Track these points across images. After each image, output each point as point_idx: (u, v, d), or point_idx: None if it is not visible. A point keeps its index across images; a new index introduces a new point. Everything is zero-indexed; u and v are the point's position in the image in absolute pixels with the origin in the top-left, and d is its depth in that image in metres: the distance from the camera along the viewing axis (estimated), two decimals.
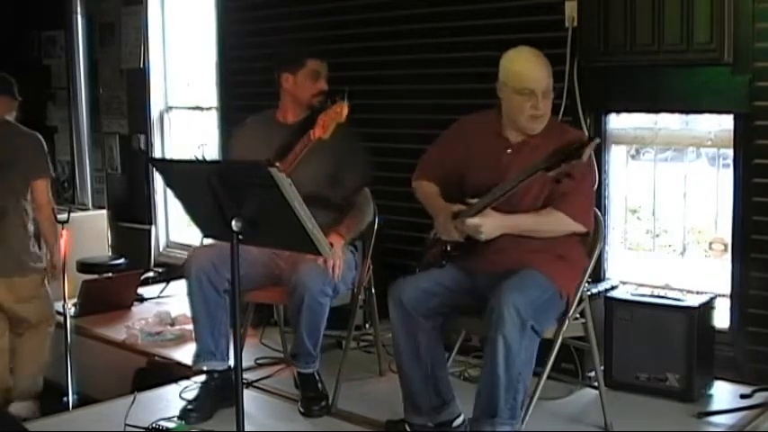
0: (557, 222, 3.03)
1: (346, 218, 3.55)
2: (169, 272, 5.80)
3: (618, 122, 4.07)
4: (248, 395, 3.58)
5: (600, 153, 3.96)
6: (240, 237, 2.53)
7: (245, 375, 3.63)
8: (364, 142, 3.74)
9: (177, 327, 4.61)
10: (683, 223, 4.12)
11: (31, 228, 4.33)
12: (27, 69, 6.70)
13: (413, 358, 3.09)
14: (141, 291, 5.44)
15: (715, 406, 3.45)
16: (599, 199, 3.82)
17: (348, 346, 3.76)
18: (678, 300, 3.58)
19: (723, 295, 3.73)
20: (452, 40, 4.43)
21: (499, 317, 2.77)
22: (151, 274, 5.94)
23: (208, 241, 3.44)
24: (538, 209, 3.05)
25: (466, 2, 4.35)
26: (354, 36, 4.80)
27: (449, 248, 3.16)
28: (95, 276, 5.52)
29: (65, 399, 4.25)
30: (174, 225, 6.48)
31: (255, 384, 3.79)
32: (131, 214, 6.54)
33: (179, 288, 4.75)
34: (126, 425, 3.32)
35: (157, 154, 6.37)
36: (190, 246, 5.40)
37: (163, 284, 5.60)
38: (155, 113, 6.37)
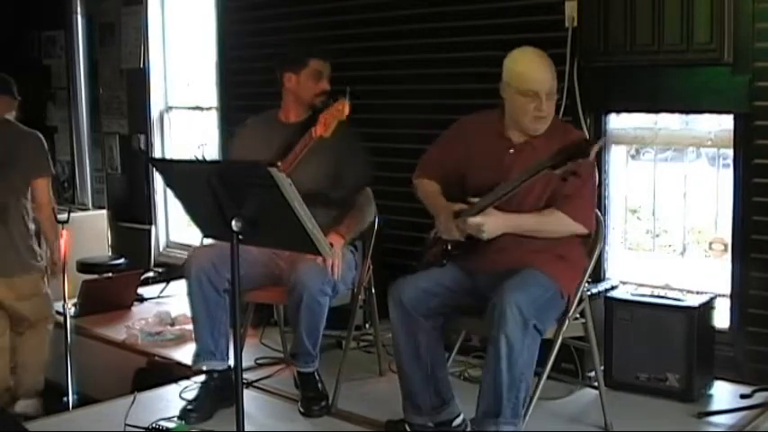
0: (559, 223, 3.03)
1: (347, 218, 3.55)
2: (169, 272, 5.80)
3: (618, 122, 4.07)
4: (248, 395, 3.58)
5: (600, 153, 3.94)
6: (240, 237, 2.53)
7: (245, 375, 3.63)
8: (365, 142, 3.74)
9: (177, 327, 4.61)
10: (683, 223, 4.12)
11: (32, 226, 4.34)
12: (27, 69, 6.71)
13: (413, 358, 3.09)
14: (141, 291, 5.44)
15: (715, 406, 3.45)
16: (599, 199, 3.81)
17: (348, 346, 3.76)
18: (678, 300, 3.58)
19: (723, 295, 3.73)
20: (452, 40, 4.43)
21: (501, 315, 2.77)
22: (151, 274, 5.94)
23: (208, 241, 3.44)
24: (540, 209, 3.05)
25: (466, 2, 4.35)
26: (354, 36, 4.80)
27: (449, 247, 3.16)
28: (95, 276, 5.52)
29: (65, 399, 4.25)
30: (174, 225, 6.48)
31: (255, 384, 3.79)
32: (131, 214, 6.54)
33: (179, 288, 4.75)
34: (126, 425, 3.32)
35: (157, 154, 6.37)
36: (190, 246, 5.40)
37: (163, 284, 5.60)
38: (155, 113, 6.37)
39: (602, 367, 3.44)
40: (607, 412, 3.24)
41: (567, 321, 3.08)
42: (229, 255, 2.57)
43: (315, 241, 2.52)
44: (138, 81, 6.34)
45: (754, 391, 3.47)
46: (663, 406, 3.44)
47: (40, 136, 4.40)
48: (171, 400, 3.65)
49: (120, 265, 5.84)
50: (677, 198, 4.08)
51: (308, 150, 3.44)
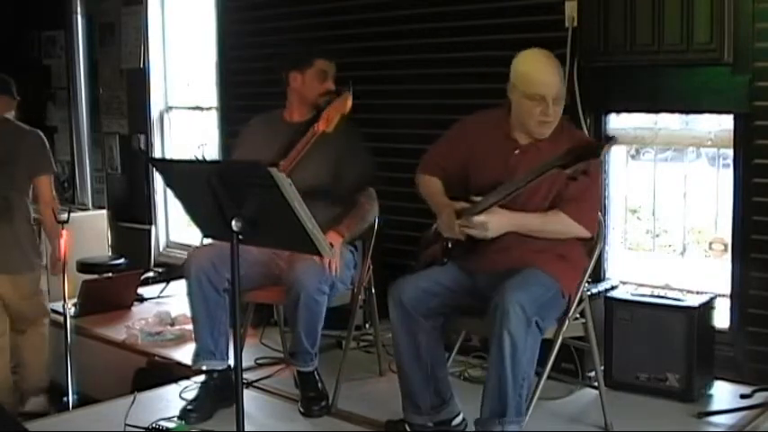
0: (562, 225, 3.02)
1: (347, 216, 3.55)
2: (169, 272, 5.80)
3: (618, 122, 4.06)
4: (248, 395, 3.58)
5: None
6: (240, 237, 2.53)
7: (245, 375, 3.63)
8: (366, 142, 3.74)
9: (177, 327, 4.61)
10: (683, 223, 4.12)
11: (33, 224, 4.36)
12: (27, 69, 6.71)
13: (413, 358, 3.09)
14: (141, 291, 5.44)
15: (715, 406, 3.45)
16: None
17: (348, 346, 3.76)
18: (678, 300, 3.58)
19: (723, 295, 3.73)
20: (452, 40, 4.43)
21: (504, 314, 2.77)
22: (151, 274, 5.94)
23: (208, 241, 3.45)
24: (545, 209, 3.04)
25: (466, 2, 4.35)
26: (354, 36, 4.80)
27: (450, 246, 3.16)
28: (95, 276, 5.52)
29: (65, 399, 4.25)
30: (174, 225, 6.48)
31: (255, 384, 3.79)
32: (131, 214, 6.54)
33: (179, 288, 4.75)
34: (126, 425, 3.32)
35: (157, 154, 6.37)
36: (190, 246, 5.40)
37: (163, 284, 5.60)
38: (155, 113, 6.37)
39: (602, 367, 3.44)
40: (607, 412, 3.24)
41: (567, 321, 3.08)
42: (229, 255, 2.57)
43: (315, 241, 2.52)
44: (138, 81, 6.34)
45: (754, 391, 3.47)
46: (663, 406, 3.44)
47: (41, 134, 4.42)
48: (171, 400, 3.65)
49: (120, 265, 5.84)
50: (677, 198, 4.08)
51: (310, 146, 3.44)
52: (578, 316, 3.16)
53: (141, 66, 6.29)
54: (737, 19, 3.50)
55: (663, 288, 3.86)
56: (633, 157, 4.22)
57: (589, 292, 3.34)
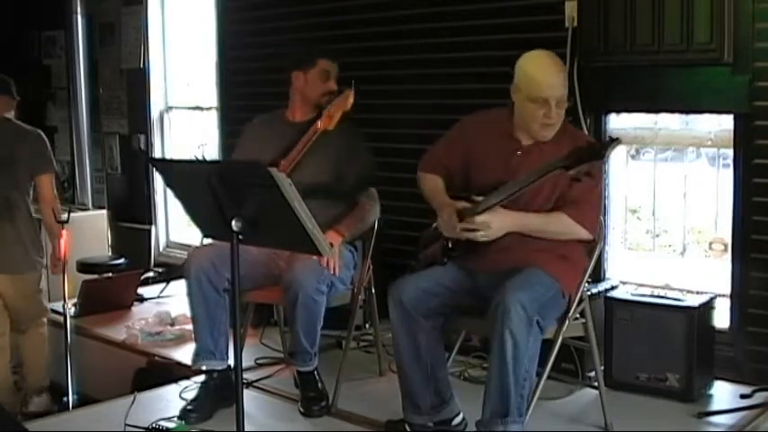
0: (564, 226, 3.02)
1: (348, 216, 3.55)
2: (169, 272, 5.80)
3: (618, 122, 4.06)
4: (248, 395, 3.58)
5: None
6: (240, 237, 2.53)
7: (245, 375, 3.63)
8: (366, 142, 3.74)
9: (177, 327, 4.61)
10: (683, 223, 4.12)
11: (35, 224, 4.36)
12: (27, 69, 6.72)
13: (413, 358, 3.09)
14: (141, 291, 5.44)
15: (715, 406, 3.45)
16: None
17: (348, 346, 3.76)
18: (678, 300, 3.58)
19: (723, 295, 3.73)
20: (452, 40, 4.43)
21: (506, 313, 2.77)
22: (151, 274, 5.94)
23: (208, 241, 3.45)
24: (547, 211, 3.04)
25: (466, 2, 4.35)
26: (354, 36, 4.80)
27: (450, 246, 3.16)
28: (95, 276, 5.52)
29: (65, 399, 4.25)
30: (174, 225, 6.48)
31: (255, 384, 3.79)
32: (131, 214, 6.54)
33: (179, 288, 4.75)
34: (126, 425, 3.32)
35: (157, 154, 6.37)
36: (190, 246, 5.40)
37: (163, 284, 5.60)
38: (155, 113, 6.37)
39: (602, 367, 3.44)
40: (607, 412, 3.24)
41: (567, 321, 3.08)
42: (229, 255, 2.57)
43: (315, 241, 2.52)
44: (138, 81, 6.34)
45: (754, 391, 3.47)
46: (663, 406, 3.44)
47: (42, 133, 4.43)
48: (171, 400, 3.65)
49: (120, 265, 5.84)
50: (677, 198, 4.08)
51: (310, 145, 3.44)
52: (578, 316, 3.16)
53: (141, 66, 6.29)
54: (737, 19, 3.50)
55: (663, 288, 3.86)
56: (633, 157, 4.23)
57: (589, 292, 3.34)
